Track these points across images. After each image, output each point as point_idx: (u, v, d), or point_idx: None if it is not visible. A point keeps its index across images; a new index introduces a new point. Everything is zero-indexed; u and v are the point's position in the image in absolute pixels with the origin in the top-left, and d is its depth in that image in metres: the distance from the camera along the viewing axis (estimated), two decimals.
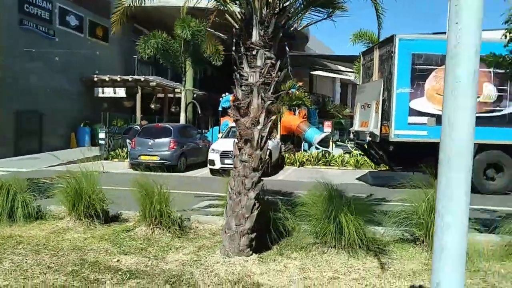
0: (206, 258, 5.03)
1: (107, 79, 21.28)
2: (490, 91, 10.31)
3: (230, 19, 5.16)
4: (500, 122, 10.36)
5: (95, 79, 21.41)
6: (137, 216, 6.21)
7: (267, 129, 5.00)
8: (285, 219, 5.72)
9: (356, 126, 12.06)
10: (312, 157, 17.02)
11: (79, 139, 21.22)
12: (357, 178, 13.51)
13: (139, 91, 21.50)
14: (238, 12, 5.05)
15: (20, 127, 17.67)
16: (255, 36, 4.87)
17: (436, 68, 10.14)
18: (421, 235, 5.42)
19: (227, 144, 13.82)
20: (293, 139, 21.55)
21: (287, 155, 17.58)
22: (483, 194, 10.43)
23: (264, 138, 5.01)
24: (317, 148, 19.31)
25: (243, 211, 4.98)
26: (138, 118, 21.40)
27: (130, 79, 21.25)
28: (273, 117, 5.02)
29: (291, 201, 6.61)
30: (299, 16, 5.18)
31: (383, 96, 10.58)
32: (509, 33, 5.05)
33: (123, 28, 7.13)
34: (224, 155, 13.35)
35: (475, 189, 10.54)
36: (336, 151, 18.41)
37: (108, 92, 21.83)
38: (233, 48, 4.97)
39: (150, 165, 13.93)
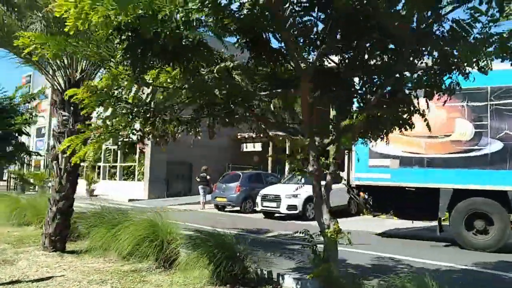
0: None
1: (246, 136, 25.16)
2: (464, 127, 8.84)
3: None
4: (479, 163, 8.63)
5: (239, 136, 25.63)
6: None
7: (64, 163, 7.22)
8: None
9: None
10: None
11: None
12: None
13: (271, 145, 24.40)
14: None
15: (171, 174, 23.09)
16: (58, 101, 7.35)
17: None
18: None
19: (272, 189, 15.12)
20: None
21: None
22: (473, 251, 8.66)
23: (65, 171, 7.23)
24: None
25: (48, 219, 7.26)
26: (269, 169, 24.21)
27: (261, 135, 24.40)
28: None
29: None
30: None
31: None
32: None
33: None
34: (264, 198, 14.60)
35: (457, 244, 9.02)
36: None
37: (250, 147, 25.67)
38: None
39: (221, 205, 16.63)
